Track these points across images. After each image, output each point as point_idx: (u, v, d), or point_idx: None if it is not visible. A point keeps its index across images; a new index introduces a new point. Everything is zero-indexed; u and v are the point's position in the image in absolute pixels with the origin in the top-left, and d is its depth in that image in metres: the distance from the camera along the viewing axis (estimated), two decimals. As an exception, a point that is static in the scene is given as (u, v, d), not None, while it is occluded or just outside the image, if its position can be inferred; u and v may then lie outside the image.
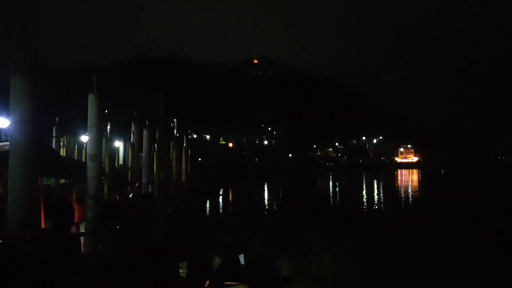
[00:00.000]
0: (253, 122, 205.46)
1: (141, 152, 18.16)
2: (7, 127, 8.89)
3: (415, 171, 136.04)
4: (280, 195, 45.79)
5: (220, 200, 38.17)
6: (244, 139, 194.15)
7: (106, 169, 13.42)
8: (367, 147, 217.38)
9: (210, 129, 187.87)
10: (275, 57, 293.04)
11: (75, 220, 8.79)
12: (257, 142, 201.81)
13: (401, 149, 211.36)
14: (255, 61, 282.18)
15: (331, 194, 45.80)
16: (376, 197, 41.46)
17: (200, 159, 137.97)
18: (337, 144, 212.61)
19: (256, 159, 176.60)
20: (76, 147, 29.16)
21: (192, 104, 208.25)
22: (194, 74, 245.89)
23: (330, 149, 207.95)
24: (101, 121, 7.22)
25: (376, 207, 31.30)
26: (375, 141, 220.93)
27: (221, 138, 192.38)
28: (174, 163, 18.00)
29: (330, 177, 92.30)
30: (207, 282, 6.24)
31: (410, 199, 38.85)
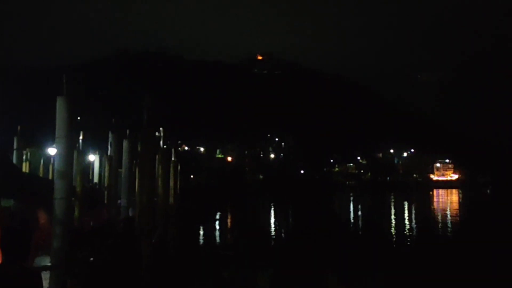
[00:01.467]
0: (256, 132, 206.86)
1: (121, 167, 18.14)
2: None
3: (454, 191, 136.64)
4: (290, 220, 45.95)
5: (217, 225, 38.44)
6: (246, 152, 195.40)
7: (78, 188, 13.40)
8: (395, 161, 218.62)
9: (205, 140, 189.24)
10: (282, 54, 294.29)
11: (33, 250, 8.69)
12: (261, 155, 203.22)
13: (438, 165, 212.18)
14: (259, 58, 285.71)
15: (351, 220, 45.85)
16: (407, 224, 41.30)
17: (192, 176, 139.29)
18: (359, 158, 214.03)
19: (261, 176, 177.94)
20: (41, 161, 29.04)
21: (183, 110, 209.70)
22: (186, 73, 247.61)
23: (351, 164, 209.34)
24: (72, 130, 7.16)
25: (407, 237, 31.27)
26: (405, 154, 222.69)
27: (218, 151, 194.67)
28: (160, 181, 17.97)
29: (351, 198, 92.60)
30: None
31: (450, 228, 38.61)
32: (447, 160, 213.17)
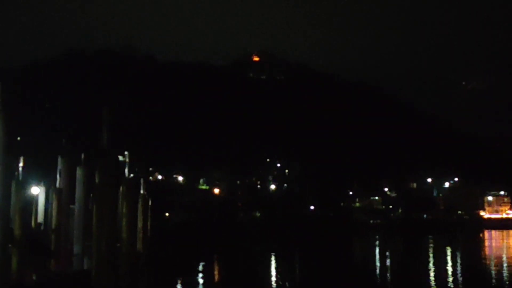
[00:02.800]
0: (252, 156, 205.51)
1: (73, 203, 17.97)
2: None
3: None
4: (297, 272, 45.72)
5: (200, 279, 38.30)
6: (239, 182, 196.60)
7: (17, 231, 13.16)
8: (434, 194, 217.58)
9: (185, 166, 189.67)
10: (285, 54, 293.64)
11: None
12: (259, 186, 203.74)
13: (490, 198, 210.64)
14: (256, 59, 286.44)
15: (377, 270, 45.66)
16: (450, 277, 40.96)
17: (168, 213, 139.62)
18: (386, 190, 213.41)
19: (258, 214, 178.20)
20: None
21: (155, 127, 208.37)
22: (159, 79, 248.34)
23: (376, 197, 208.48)
24: (10, 154, 7.10)
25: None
26: (447, 184, 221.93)
27: (201, 181, 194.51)
28: (125, 221, 17.71)
29: (377, 242, 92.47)
30: None
31: (507, 282, 38.01)
32: (502, 192, 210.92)
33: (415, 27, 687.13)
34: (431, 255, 64.31)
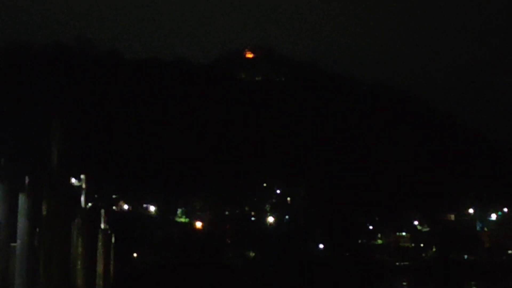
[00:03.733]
0: (244, 179, 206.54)
1: (14, 241, 17.89)
2: None
3: None
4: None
5: None
6: (227, 213, 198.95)
7: None
8: (478, 228, 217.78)
9: (158, 193, 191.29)
10: (286, 50, 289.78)
11: None
12: (253, 218, 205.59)
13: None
14: (249, 55, 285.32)
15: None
16: None
17: (136, 253, 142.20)
18: (416, 223, 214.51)
19: (252, 253, 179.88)
20: None
21: (119, 143, 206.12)
22: (125, 81, 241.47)
23: (404, 233, 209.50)
24: None
25: None
26: (494, 217, 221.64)
27: (179, 212, 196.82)
28: (80, 262, 17.64)
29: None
30: None
31: None
32: None
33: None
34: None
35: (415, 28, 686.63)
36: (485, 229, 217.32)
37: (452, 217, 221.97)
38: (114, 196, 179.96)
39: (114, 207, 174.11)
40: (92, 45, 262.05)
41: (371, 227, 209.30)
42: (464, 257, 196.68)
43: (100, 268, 23.21)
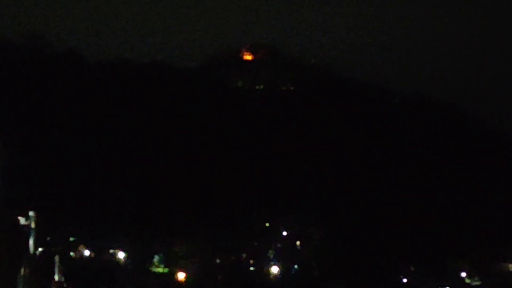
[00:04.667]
0: (241, 218, 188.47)
1: None
2: None
3: None
4: None
5: None
6: (219, 261, 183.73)
7: None
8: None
9: (128, 235, 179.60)
10: (294, 51, 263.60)
11: None
12: (252, 268, 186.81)
13: None
14: (247, 57, 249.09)
15: None
16: None
17: None
18: (464, 275, 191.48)
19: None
20: None
21: (78, 171, 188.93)
22: (86, 90, 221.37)
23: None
24: None
25: None
26: None
27: (156, 259, 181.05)
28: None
29: None
30: None
31: None
32: None
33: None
34: None
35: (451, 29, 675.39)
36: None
37: (509, 266, 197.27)
38: (71, 239, 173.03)
39: (71, 253, 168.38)
40: (46, 43, 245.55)
41: (405, 280, 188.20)
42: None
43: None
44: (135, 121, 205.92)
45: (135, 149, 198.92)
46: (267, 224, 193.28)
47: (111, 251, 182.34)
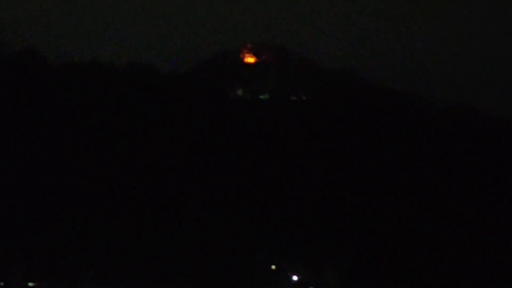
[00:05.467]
0: (239, 258, 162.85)
1: None
2: None
3: None
4: None
5: None
6: None
7: None
8: None
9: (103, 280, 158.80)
10: (305, 51, 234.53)
11: None
12: None
13: None
14: (249, 59, 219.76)
15: None
16: None
17: None
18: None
19: None
20: None
21: (30, 197, 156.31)
22: (48, 93, 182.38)
23: None
24: None
25: None
26: None
27: None
28: None
29: None
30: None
31: None
32: None
33: None
34: None
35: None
36: None
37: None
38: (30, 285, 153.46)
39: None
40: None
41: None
42: None
43: None
44: (103, 135, 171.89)
45: (106, 170, 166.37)
46: (273, 267, 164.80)
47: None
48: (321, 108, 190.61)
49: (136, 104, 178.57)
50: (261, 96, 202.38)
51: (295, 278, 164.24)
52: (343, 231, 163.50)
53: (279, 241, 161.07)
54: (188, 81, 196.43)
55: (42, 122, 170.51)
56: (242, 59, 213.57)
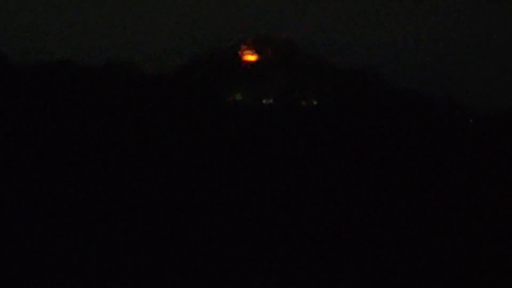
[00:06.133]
0: (235, 282, 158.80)
1: None
2: None
3: None
4: None
5: None
6: None
7: None
8: None
9: None
10: (317, 48, 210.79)
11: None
12: None
13: None
14: (249, 57, 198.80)
15: None
16: None
17: None
18: None
19: None
20: None
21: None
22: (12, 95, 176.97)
23: None
24: None
25: None
26: None
27: None
28: None
29: None
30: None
31: None
32: None
33: None
34: None
35: None
36: None
37: None
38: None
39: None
40: None
41: None
42: None
43: None
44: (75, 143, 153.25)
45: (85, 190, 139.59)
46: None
47: None
48: (337, 116, 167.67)
49: (112, 113, 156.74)
50: (264, 101, 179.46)
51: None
52: (356, 256, 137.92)
53: (281, 268, 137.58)
54: (176, 83, 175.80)
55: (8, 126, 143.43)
56: (241, 57, 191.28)
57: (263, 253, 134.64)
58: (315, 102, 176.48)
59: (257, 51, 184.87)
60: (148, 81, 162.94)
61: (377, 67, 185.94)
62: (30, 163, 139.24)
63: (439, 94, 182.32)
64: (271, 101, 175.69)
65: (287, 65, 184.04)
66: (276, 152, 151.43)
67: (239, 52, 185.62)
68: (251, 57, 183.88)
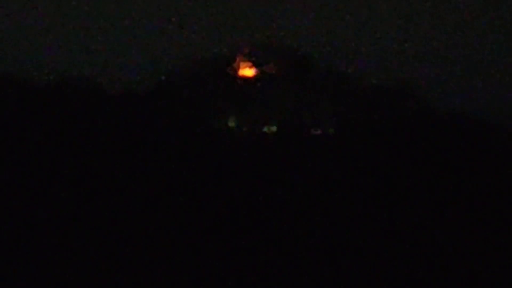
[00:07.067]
0: None
1: None
2: None
3: None
4: None
5: None
6: None
7: None
8: None
9: None
10: (329, 57, 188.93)
11: None
12: None
13: None
14: (245, 72, 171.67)
15: None
16: None
17: None
18: None
19: None
20: None
21: None
22: None
23: None
24: None
25: None
26: None
27: None
28: None
29: None
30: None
31: None
32: None
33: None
34: None
35: None
36: None
37: None
38: None
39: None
40: None
41: None
42: None
43: None
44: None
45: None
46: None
47: None
48: (357, 147, 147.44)
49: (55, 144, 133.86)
50: (265, 129, 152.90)
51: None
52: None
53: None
54: (147, 105, 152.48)
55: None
56: (235, 70, 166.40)
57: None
58: (331, 130, 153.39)
59: (255, 64, 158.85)
60: (110, 103, 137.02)
61: (415, 80, 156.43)
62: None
63: (486, 115, 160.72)
64: (274, 128, 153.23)
65: (294, 81, 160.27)
66: (280, 199, 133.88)
67: (234, 65, 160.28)
68: (248, 71, 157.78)
